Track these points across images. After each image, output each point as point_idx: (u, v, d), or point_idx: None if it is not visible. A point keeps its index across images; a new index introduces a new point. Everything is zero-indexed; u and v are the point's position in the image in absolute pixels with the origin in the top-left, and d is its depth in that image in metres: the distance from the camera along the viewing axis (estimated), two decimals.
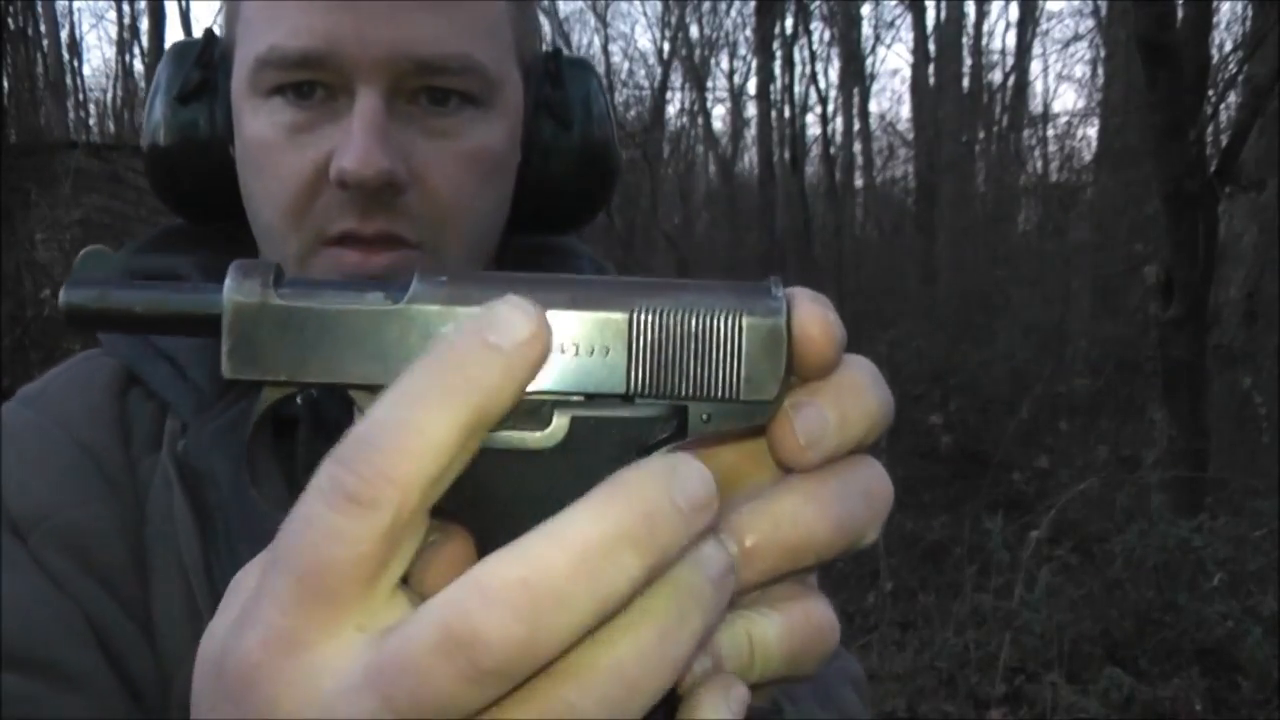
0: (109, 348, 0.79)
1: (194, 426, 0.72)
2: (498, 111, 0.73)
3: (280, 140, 0.71)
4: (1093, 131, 12.79)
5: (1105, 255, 8.75)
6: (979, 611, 4.46)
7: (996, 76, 13.39)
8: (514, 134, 0.76)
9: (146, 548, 0.71)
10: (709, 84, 14.74)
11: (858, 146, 14.40)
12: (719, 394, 0.38)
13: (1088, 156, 11.72)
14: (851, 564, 4.73)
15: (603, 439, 0.38)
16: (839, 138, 13.98)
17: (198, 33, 0.82)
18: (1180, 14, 4.61)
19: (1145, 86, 4.70)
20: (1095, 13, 12.24)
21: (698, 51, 14.30)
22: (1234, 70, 5.70)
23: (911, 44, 13.51)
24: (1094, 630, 4.17)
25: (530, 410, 0.38)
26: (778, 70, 12.91)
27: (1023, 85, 13.51)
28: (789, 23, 12.38)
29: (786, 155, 12.52)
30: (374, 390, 0.36)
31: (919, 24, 13.02)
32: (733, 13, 14.01)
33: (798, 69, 12.62)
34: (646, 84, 14.50)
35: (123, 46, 12.15)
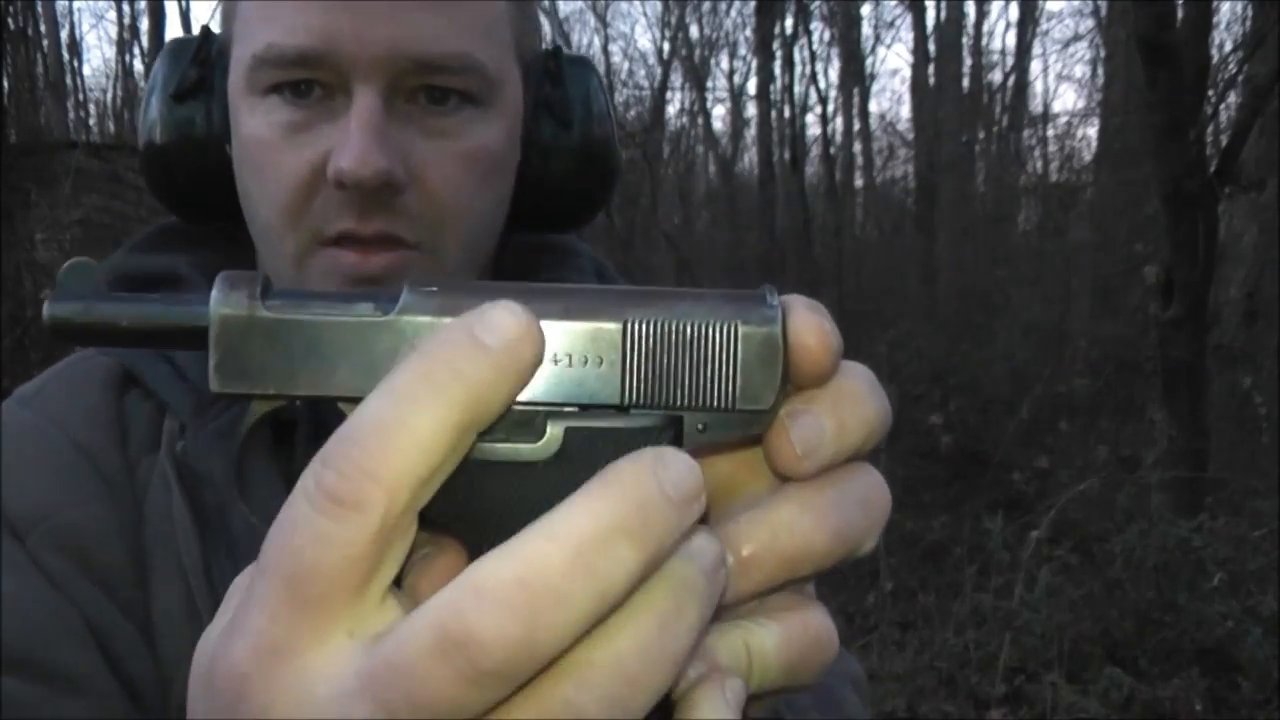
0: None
1: (193, 428, 0.72)
2: (497, 111, 0.73)
3: (277, 140, 0.70)
4: (1093, 131, 12.80)
5: (1105, 255, 8.74)
6: (979, 611, 4.46)
7: (996, 76, 13.39)
8: (513, 133, 0.76)
9: (145, 549, 0.71)
10: (709, 84, 14.73)
11: (858, 146, 14.39)
12: (715, 404, 0.38)
13: (1088, 156, 11.73)
14: (851, 564, 4.68)
15: (598, 450, 0.38)
16: (839, 138, 13.97)
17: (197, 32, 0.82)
18: (1180, 14, 4.60)
19: (1145, 86, 4.69)
20: (1095, 13, 12.24)
21: (698, 51, 14.29)
22: (1234, 70, 5.69)
23: (911, 44, 13.52)
24: (1094, 630, 4.17)
25: (524, 421, 0.37)
26: (778, 70, 12.90)
27: (1023, 85, 13.50)
28: (789, 23, 12.38)
29: (786, 155, 12.51)
30: None
31: (919, 24, 13.01)
32: (733, 13, 14.01)
33: (798, 69, 12.62)
34: (646, 84, 14.49)
35: (123, 46, 12.13)
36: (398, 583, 0.35)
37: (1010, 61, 13.31)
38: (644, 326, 0.38)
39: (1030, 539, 4.49)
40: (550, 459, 0.37)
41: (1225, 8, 8.64)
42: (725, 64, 15.36)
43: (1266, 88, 4.72)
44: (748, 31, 13.64)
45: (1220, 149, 4.93)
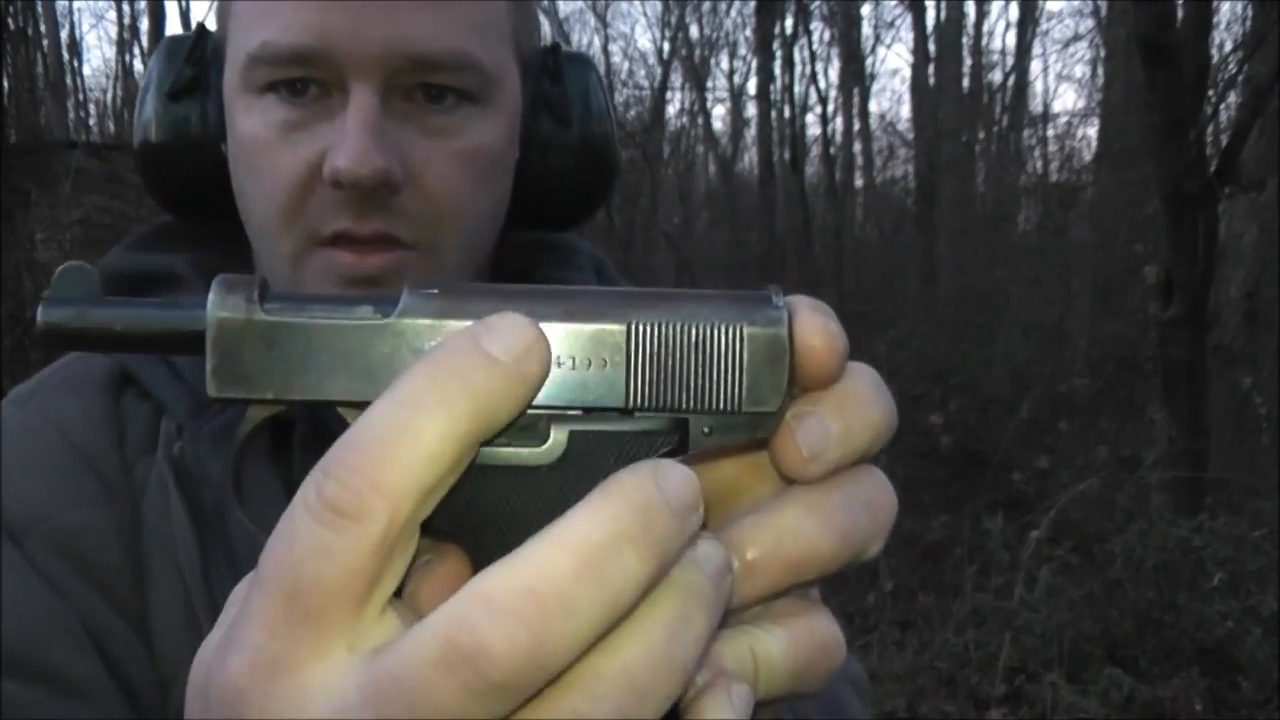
0: None
1: (190, 430, 0.71)
2: (495, 108, 0.72)
3: (273, 138, 0.69)
4: (1093, 131, 12.79)
5: (1105, 255, 8.74)
6: (979, 611, 4.45)
7: (996, 76, 13.39)
8: (512, 131, 0.75)
9: (143, 551, 0.71)
10: (709, 84, 14.73)
11: (858, 146, 14.39)
12: (720, 406, 0.38)
13: (1088, 156, 11.72)
14: None
15: (602, 454, 0.37)
16: (839, 138, 13.97)
17: None
18: (1180, 14, 4.60)
19: (1145, 86, 4.69)
20: (1095, 13, 12.23)
21: (698, 51, 14.29)
22: (1234, 70, 5.69)
23: (911, 44, 13.51)
24: (1094, 630, 4.16)
25: (527, 425, 0.37)
26: (778, 70, 12.90)
27: (1023, 85, 13.50)
28: (789, 23, 12.38)
29: (786, 155, 12.51)
30: (364, 407, 0.35)
31: (919, 24, 13.01)
32: (733, 13, 14.00)
33: (798, 69, 12.62)
34: (646, 84, 14.49)
35: (123, 46, 12.14)
36: (398, 591, 0.35)
37: (1010, 61, 13.32)
38: (648, 328, 0.37)
39: (1030, 539, 4.48)
40: (553, 463, 0.37)
41: (1225, 8, 8.65)
42: (725, 64, 15.38)
43: (1266, 88, 4.72)
44: (748, 31, 13.65)
45: (1220, 149, 4.92)
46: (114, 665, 0.67)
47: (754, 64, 13.59)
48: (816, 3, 12.63)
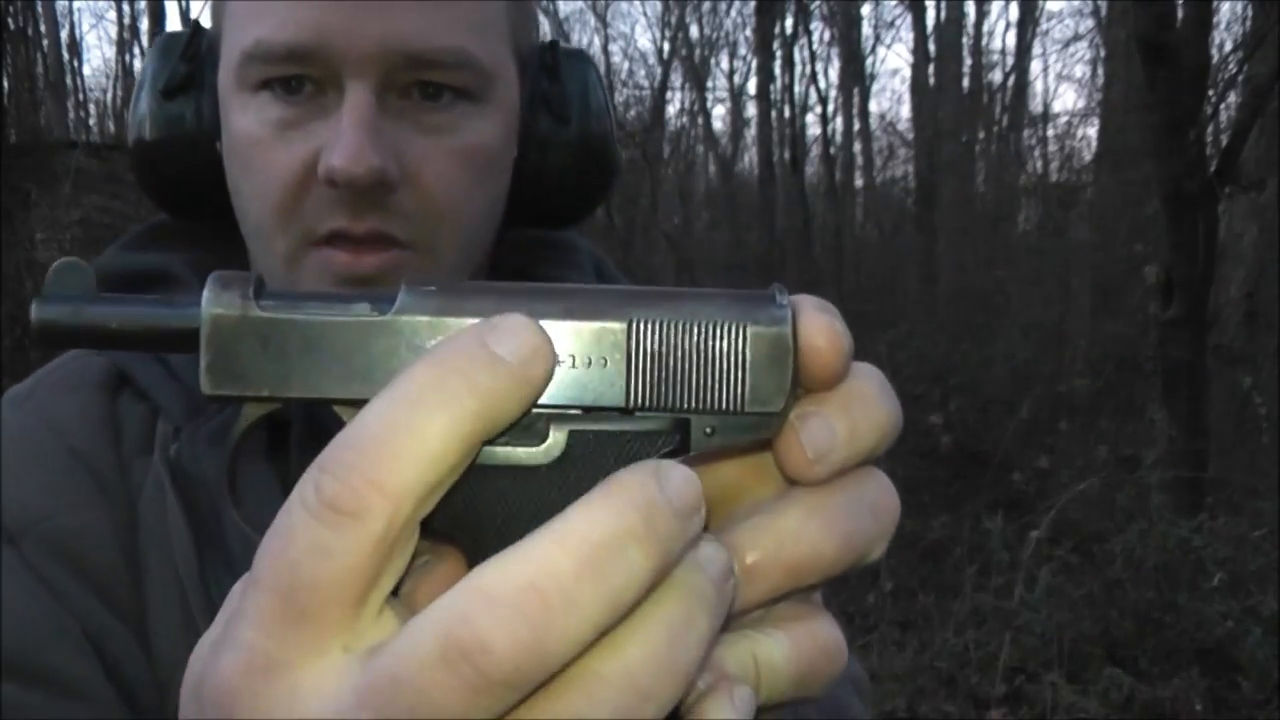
0: None
1: (187, 431, 0.71)
2: (493, 106, 0.72)
3: (268, 137, 0.69)
4: (1093, 131, 12.79)
5: (1105, 255, 8.74)
6: (979, 611, 4.45)
7: (996, 76, 13.39)
8: (510, 129, 0.75)
9: (139, 552, 0.70)
10: (709, 84, 14.72)
11: (858, 146, 14.39)
12: (723, 406, 0.37)
13: (1088, 156, 11.73)
14: None
15: (602, 454, 0.37)
16: (839, 138, 13.97)
17: None
18: (1180, 14, 4.60)
19: (1145, 86, 4.69)
20: (1095, 13, 12.24)
21: (698, 51, 14.29)
22: (1234, 70, 5.69)
23: (911, 44, 13.50)
24: (1094, 630, 4.16)
25: (525, 425, 0.36)
26: (778, 70, 12.90)
27: (1023, 85, 13.50)
28: (789, 23, 12.38)
29: (786, 155, 12.51)
30: (360, 406, 0.34)
31: (919, 24, 13.00)
32: (733, 13, 14.00)
33: (798, 69, 12.63)
34: (646, 84, 14.49)
35: (123, 46, 12.14)
36: (394, 592, 0.34)
37: (1010, 61, 13.32)
38: (649, 327, 0.37)
39: (1030, 539, 4.48)
40: (552, 463, 0.36)
41: (1225, 8, 8.65)
42: (725, 64, 15.38)
43: (1266, 88, 4.72)
44: (748, 31, 13.65)
45: (1220, 149, 4.93)
46: (112, 667, 0.67)
47: (754, 64, 13.60)
48: (816, 3, 12.64)
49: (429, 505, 0.33)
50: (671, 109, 14.74)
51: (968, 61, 13.15)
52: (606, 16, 14.93)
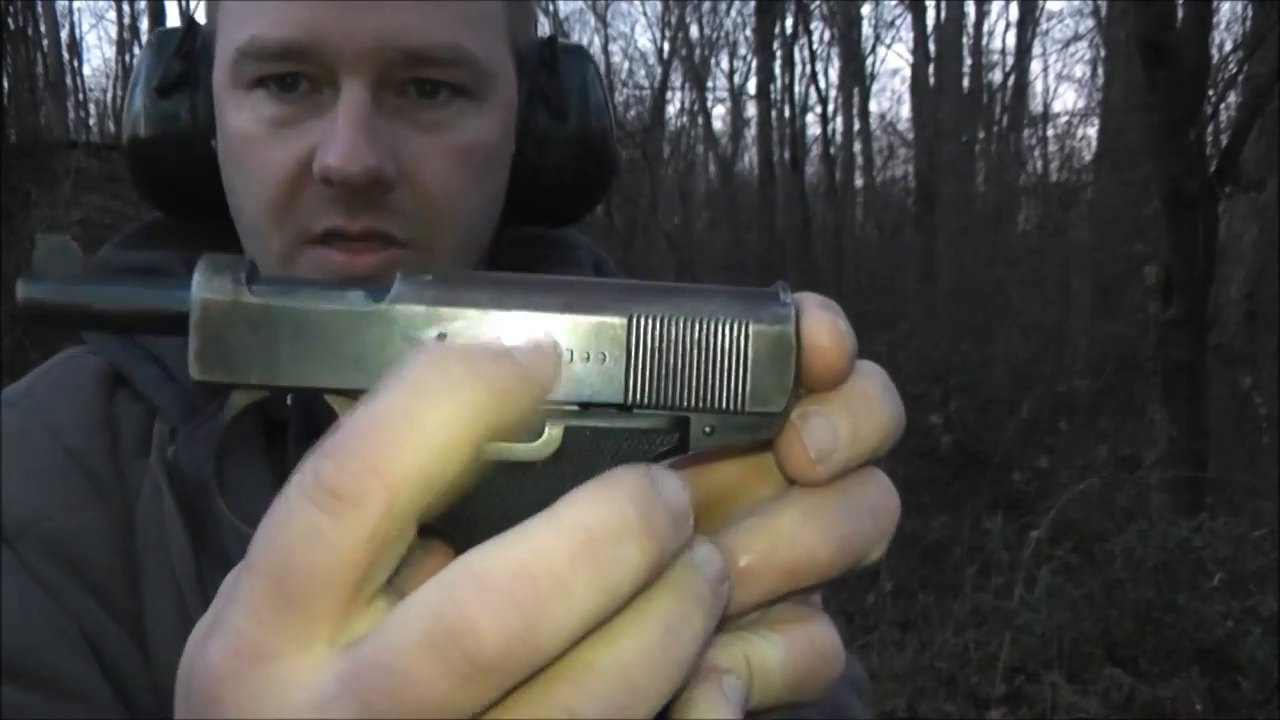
0: (95, 346, 0.77)
1: (184, 432, 0.70)
2: (491, 103, 0.71)
3: (262, 134, 0.68)
4: (1093, 131, 12.78)
5: (1105, 255, 8.74)
6: (979, 611, 4.45)
7: (996, 76, 13.39)
8: (508, 126, 0.74)
9: (137, 554, 0.70)
10: (709, 84, 14.72)
11: (858, 146, 14.39)
12: (723, 405, 0.36)
13: (1088, 156, 11.73)
14: None
15: (599, 451, 0.36)
16: (839, 138, 13.96)
17: None
18: (1180, 14, 4.60)
19: (1145, 86, 4.69)
20: (1095, 13, 12.25)
21: (698, 51, 14.28)
22: (1234, 70, 5.69)
23: (911, 44, 13.49)
24: (1094, 630, 4.16)
25: None
26: (778, 70, 12.90)
27: (1023, 85, 13.51)
28: (789, 23, 12.39)
29: (786, 155, 12.52)
30: (353, 396, 0.33)
31: (919, 24, 13.00)
32: (733, 13, 13.99)
33: (798, 69, 12.63)
34: (646, 84, 14.48)
35: (123, 46, 12.12)
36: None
37: (1010, 61, 13.32)
38: (650, 322, 0.36)
39: (1030, 539, 4.48)
40: (548, 459, 0.35)
41: (1225, 8, 8.65)
42: (725, 64, 15.36)
43: (1266, 88, 4.72)
44: (748, 31, 13.64)
45: (1220, 149, 4.93)
46: (109, 668, 0.66)
47: (754, 64, 13.59)
48: (816, 3, 12.64)
49: (429, 498, 0.32)
50: (671, 109, 14.75)
51: (968, 61, 13.15)
52: (606, 16, 14.92)
